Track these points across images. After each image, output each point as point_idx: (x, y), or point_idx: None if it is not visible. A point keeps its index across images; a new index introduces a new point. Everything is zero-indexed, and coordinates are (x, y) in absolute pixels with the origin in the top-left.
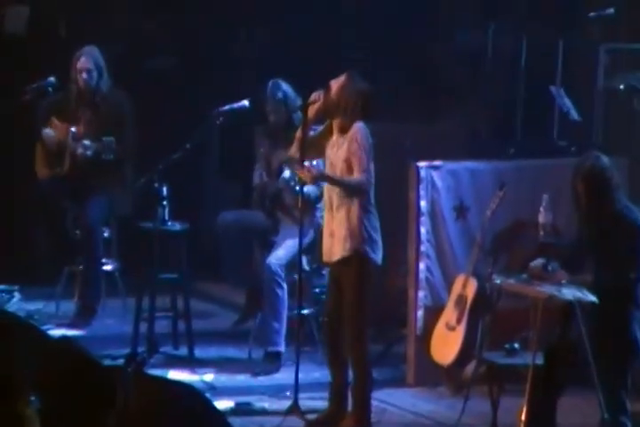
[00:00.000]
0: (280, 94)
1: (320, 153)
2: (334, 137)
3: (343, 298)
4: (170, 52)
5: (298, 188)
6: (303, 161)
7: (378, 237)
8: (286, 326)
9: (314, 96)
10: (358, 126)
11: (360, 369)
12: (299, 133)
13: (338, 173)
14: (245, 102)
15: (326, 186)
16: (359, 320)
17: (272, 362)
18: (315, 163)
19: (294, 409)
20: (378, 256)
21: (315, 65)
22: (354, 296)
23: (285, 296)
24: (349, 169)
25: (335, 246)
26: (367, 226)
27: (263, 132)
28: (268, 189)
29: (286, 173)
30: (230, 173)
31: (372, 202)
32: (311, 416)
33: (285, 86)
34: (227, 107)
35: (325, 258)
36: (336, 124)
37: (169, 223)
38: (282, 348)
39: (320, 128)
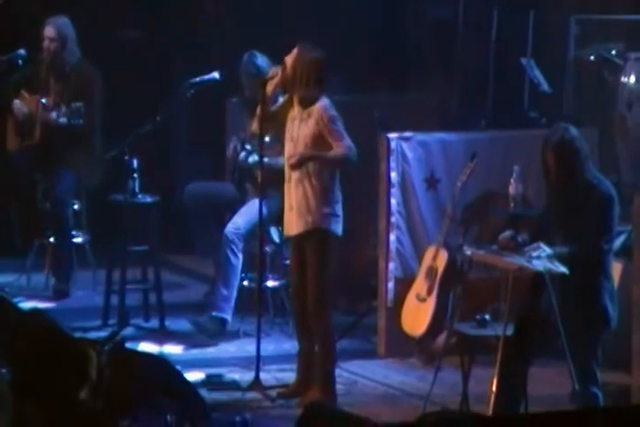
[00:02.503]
0: (253, 69)
1: (280, 127)
2: (295, 110)
3: (306, 270)
4: (139, 24)
5: (256, 159)
6: (263, 138)
7: (339, 209)
8: (246, 296)
9: (271, 72)
10: (323, 102)
11: (323, 339)
12: (259, 110)
13: (301, 148)
14: (215, 74)
15: (284, 158)
16: (321, 291)
17: (216, 327)
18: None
19: (256, 385)
20: (339, 228)
21: (287, 36)
22: (316, 268)
23: (239, 265)
24: (316, 145)
25: (296, 220)
26: (329, 199)
27: (239, 104)
28: (239, 162)
29: (242, 155)
30: (202, 146)
31: (336, 174)
32: (279, 389)
33: (261, 60)
34: (197, 79)
35: (287, 231)
36: (296, 97)
37: (139, 196)
38: (227, 315)
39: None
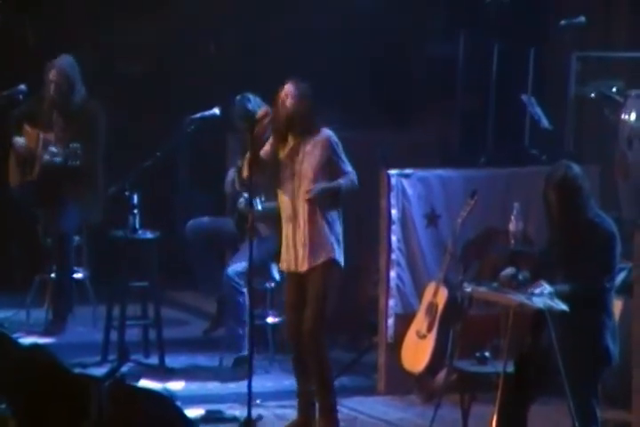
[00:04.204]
0: (245, 112)
1: (273, 170)
2: (291, 146)
3: (305, 305)
4: (142, 59)
5: (245, 199)
6: (252, 182)
7: (341, 238)
8: (254, 334)
9: (261, 112)
10: (327, 131)
11: (320, 373)
12: (249, 155)
13: (308, 181)
14: (216, 110)
15: (285, 196)
16: (318, 323)
17: (242, 368)
18: None
19: (249, 423)
20: (342, 257)
21: (284, 74)
22: (316, 299)
23: (246, 302)
24: (322, 175)
25: (307, 256)
26: (336, 232)
27: (237, 141)
28: (238, 200)
29: (241, 201)
30: (203, 181)
31: (340, 209)
32: (281, 426)
33: (253, 103)
34: (198, 115)
35: (290, 268)
36: (295, 132)
37: (140, 232)
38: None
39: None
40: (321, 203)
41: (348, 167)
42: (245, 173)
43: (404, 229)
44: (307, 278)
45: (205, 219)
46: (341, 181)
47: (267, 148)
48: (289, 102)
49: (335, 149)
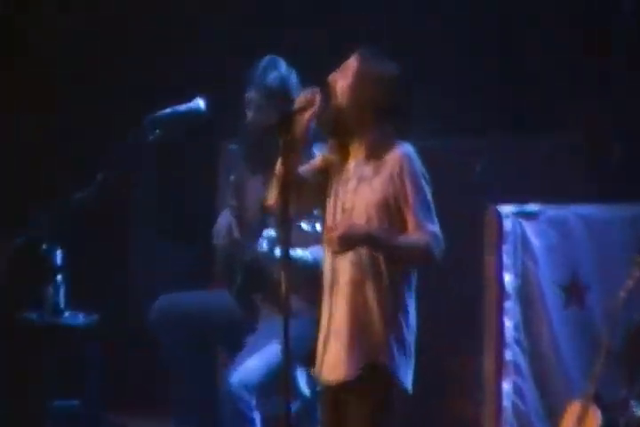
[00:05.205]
0: (274, 80)
1: (320, 198)
2: (351, 165)
3: None
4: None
5: (269, 244)
6: (287, 218)
7: (412, 341)
8: None
9: (303, 98)
10: (402, 149)
11: None
12: (279, 168)
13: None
14: (200, 102)
15: (326, 248)
16: None
17: None
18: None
19: None
20: (409, 374)
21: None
22: None
23: (258, 420)
24: (387, 221)
25: (340, 357)
26: (400, 324)
27: (239, 154)
28: (239, 254)
29: (263, 244)
30: (175, 228)
31: (415, 281)
32: None
33: (288, 76)
34: (167, 110)
35: (323, 373)
36: (355, 141)
37: (66, 314)
38: None
39: (318, 153)
40: (376, 263)
41: (425, 220)
42: (272, 199)
43: (527, 309)
44: (346, 399)
45: (183, 294)
46: (402, 238)
47: (315, 162)
48: (341, 88)
49: (408, 185)
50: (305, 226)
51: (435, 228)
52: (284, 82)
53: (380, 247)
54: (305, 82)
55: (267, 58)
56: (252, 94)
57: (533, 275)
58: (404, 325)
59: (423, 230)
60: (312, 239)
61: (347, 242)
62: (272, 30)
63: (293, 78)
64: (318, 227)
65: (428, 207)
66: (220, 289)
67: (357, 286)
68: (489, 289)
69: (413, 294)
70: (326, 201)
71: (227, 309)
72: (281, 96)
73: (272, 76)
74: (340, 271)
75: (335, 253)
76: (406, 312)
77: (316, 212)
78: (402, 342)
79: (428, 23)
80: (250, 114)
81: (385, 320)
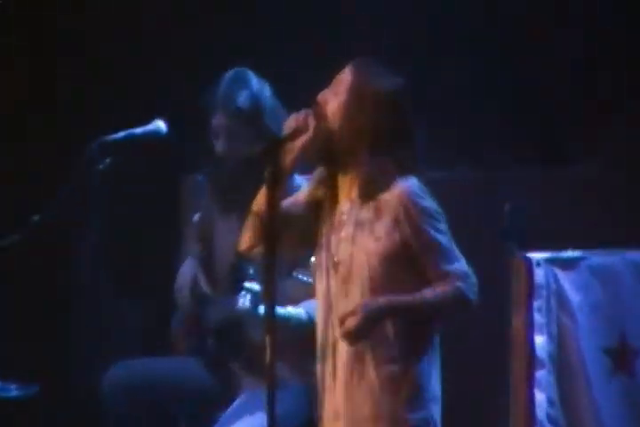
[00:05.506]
0: (245, 100)
1: (311, 243)
2: (345, 207)
3: None
4: None
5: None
6: (272, 266)
7: (438, 414)
8: None
9: (294, 122)
10: (406, 184)
11: None
12: (259, 204)
13: (357, 286)
14: (160, 124)
15: (319, 307)
16: None
17: None
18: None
19: None
20: None
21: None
22: None
23: None
24: (396, 272)
25: None
26: (420, 392)
27: (204, 186)
28: (208, 313)
29: (245, 300)
30: (133, 283)
31: (436, 338)
32: None
33: (257, 84)
34: (120, 134)
35: None
36: (347, 173)
37: None
38: None
39: (304, 185)
40: (385, 331)
41: (454, 263)
42: (246, 242)
43: (564, 378)
44: None
45: (142, 360)
46: (427, 295)
47: (300, 197)
48: (332, 108)
49: (420, 227)
50: (302, 277)
51: (460, 266)
52: (257, 101)
53: (406, 314)
54: (288, 101)
55: (231, 72)
56: (220, 119)
57: (572, 337)
58: (424, 395)
59: (449, 279)
60: (312, 292)
61: (367, 329)
62: (246, 38)
63: (267, 92)
64: None
65: (448, 249)
66: (185, 356)
67: (370, 355)
68: (517, 355)
69: (437, 355)
70: (316, 245)
71: (195, 378)
72: (256, 119)
73: (242, 96)
74: (338, 338)
75: (351, 341)
76: (428, 382)
77: (313, 258)
78: (424, 421)
79: (443, 48)
80: (220, 142)
81: (397, 396)
